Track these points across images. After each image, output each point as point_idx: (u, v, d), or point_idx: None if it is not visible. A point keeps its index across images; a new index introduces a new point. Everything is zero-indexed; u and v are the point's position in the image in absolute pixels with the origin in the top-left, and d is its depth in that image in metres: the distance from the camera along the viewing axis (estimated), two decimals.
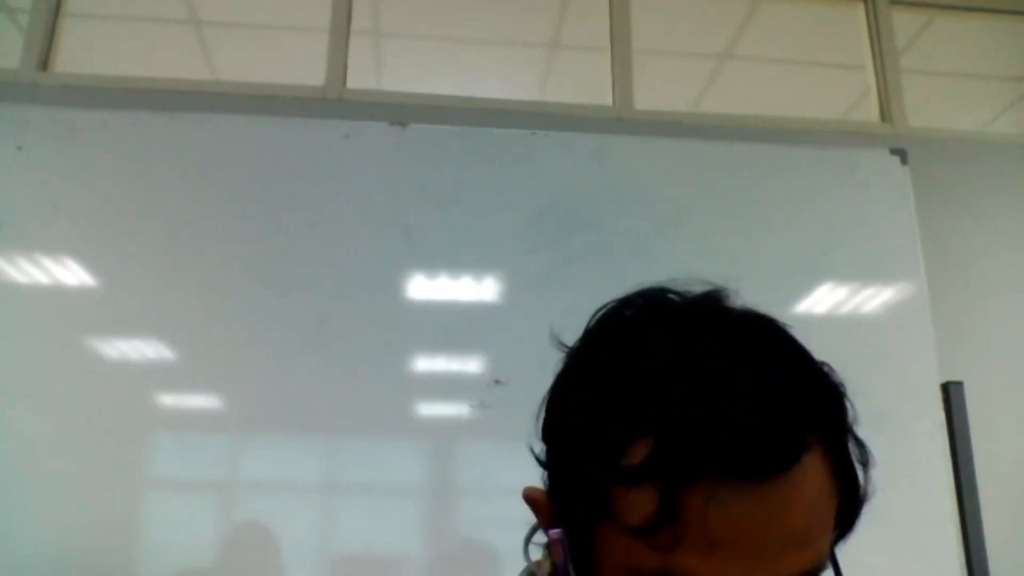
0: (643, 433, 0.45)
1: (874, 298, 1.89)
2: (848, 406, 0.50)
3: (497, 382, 1.68)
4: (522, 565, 0.59)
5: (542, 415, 0.54)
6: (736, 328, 0.50)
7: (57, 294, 1.67)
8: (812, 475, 0.45)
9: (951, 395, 1.81)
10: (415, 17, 2.56)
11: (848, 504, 0.50)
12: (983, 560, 1.74)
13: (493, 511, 1.61)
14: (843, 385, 0.50)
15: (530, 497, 0.56)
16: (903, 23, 2.63)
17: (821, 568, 0.47)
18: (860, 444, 0.51)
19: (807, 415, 0.46)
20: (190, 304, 1.68)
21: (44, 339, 1.63)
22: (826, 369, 0.50)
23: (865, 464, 0.50)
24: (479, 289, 1.81)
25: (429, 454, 1.69)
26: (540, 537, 0.58)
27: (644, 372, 0.47)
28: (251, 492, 1.63)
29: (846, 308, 1.89)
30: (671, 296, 0.53)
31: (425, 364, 1.76)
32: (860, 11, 2.63)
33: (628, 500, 0.45)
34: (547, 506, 0.54)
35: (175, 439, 1.62)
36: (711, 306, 0.52)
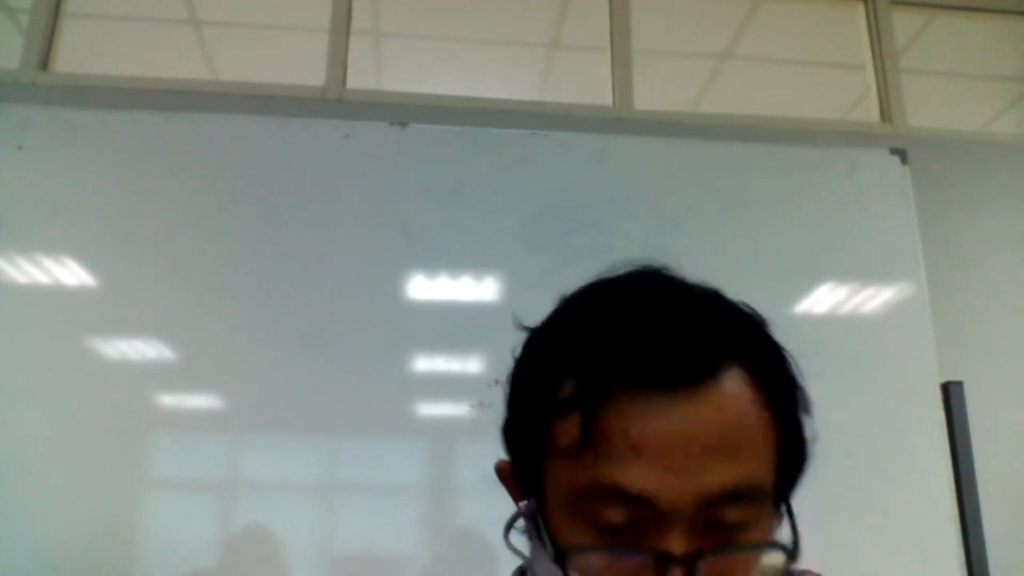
0: (571, 372, 0.50)
1: (874, 298, 1.89)
2: (775, 342, 0.53)
3: (497, 382, 1.67)
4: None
5: (506, 388, 0.59)
6: (666, 284, 0.54)
7: (57, 294, 1.67)
8: (732, 392, 0.48)
9: (951, 395, 1.81)
10: (415, 17, 2.56)
11: (789, 443, 0.51)
12: (983, 560, 1.74)
13: (493, 511, 1.60)
14: (767, 323, 0.53)
15: (500, 469, 0.60)
16: (903, 23, 2.63)
17: (754, 490, 0.49)
18: (798, 386, 0.53)
19: (719, 335, 0.49)
20: (190, 304, 1.68)
21: (44, 339, 1.63)
22: (748, 310, 0.53)
23: (806, 411, 0.53)
24: (479, 289, 1.81)
25: (429, 454, 1.69)
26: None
27: (574, 323, 0.53)
28: (251, 492, 1.63)
29: (846, 308, 1.89)
30: (619, 271, 0.57)
31: (425, 364, 1.75)
32: (860, 11, 2.63)
33: (561, 430, 0.50)
34: (511, 475, 0.58)
35: (175, 439, 1.62)
36: (648, 274, 0.56)
